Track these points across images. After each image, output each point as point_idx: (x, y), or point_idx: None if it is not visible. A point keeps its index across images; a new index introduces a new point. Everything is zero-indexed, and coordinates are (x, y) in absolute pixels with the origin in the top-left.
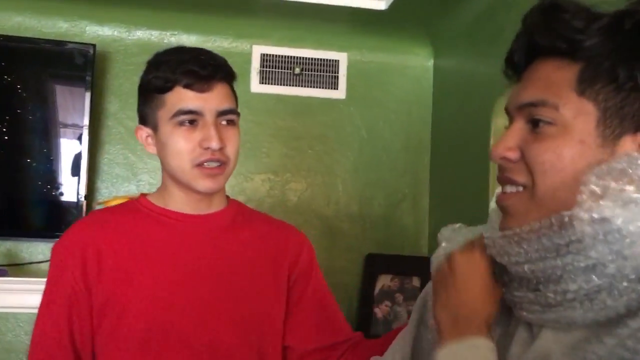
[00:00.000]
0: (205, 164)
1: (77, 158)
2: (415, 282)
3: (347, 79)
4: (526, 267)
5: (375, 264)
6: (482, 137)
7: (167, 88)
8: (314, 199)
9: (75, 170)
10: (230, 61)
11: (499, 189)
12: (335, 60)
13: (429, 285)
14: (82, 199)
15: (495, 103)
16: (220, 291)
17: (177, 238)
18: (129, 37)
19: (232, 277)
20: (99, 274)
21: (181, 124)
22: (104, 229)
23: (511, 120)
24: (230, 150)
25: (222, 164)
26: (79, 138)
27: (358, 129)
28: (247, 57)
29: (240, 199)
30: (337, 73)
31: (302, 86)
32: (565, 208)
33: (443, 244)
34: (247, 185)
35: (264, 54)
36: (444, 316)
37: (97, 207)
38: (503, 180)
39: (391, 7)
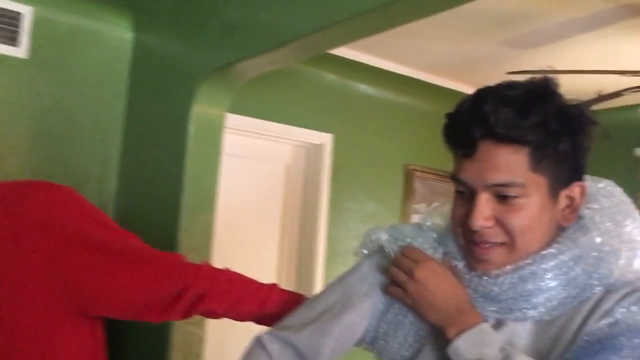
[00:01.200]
0: None
1: None
2: None
3: (31, 36)
4: (500, 294)
5: None
6: (180, 123)
7: None
8: None
9: None
10: None
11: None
12: (17, 13)
13: (375, 262)
14: None
15: (196, 89)
16: None
17: None
18: None
19: None
20: None
21: None
22: None
23: (467, 190)
24: None
25: None
26: None
27: (40, 96)
28: None
29: None
30: (18, 28)
31: None
32: (531, 251)
33: (395, 246)
34: None
35: None
36: (443, 315)
37: None
38: (482, 242)
39: None
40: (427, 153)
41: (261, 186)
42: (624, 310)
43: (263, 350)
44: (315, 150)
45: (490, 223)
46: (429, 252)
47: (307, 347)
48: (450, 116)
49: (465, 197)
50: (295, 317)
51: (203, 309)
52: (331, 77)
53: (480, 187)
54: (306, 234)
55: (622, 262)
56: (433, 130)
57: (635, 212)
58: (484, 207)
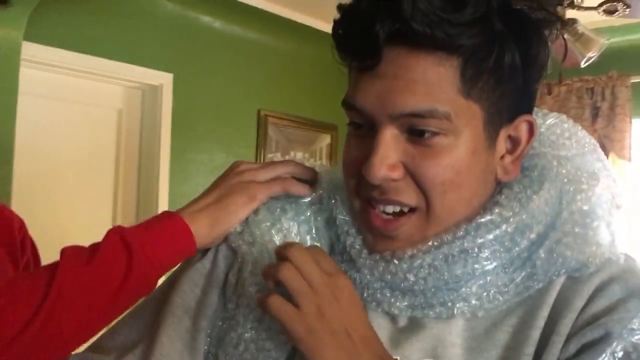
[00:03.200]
0: None
1: None
2: None
3: None
4: (415, 283)
5: None
6: None
7: None
8: None
9: None
10: None
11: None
12: None
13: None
14: None
15: None
16: None
17: None
18: None
19: None
20: None
21: None
22: None
23: (366, 123)
24: None
25: None
26: None
27: None
28: None
29: None
30: None
31: None
32: (458, 219)
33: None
34: None
35: None
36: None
37: None
38: (383, 202)
39: None
40: (283, 97)
41: (88, 135)
42: (621, 326)
43: None
44: (152, 92)
45: (397, 173)
46: (302, 229)
47: None
48: (343, 8)
49: (363, 132)
50: (118, 332)
51: None
52: (169, 6)
53: (385, 118)
54: (145, 190)
55: (606, 241)
56: (289, 71)
57: (607, 160)
58: (390, 149)
